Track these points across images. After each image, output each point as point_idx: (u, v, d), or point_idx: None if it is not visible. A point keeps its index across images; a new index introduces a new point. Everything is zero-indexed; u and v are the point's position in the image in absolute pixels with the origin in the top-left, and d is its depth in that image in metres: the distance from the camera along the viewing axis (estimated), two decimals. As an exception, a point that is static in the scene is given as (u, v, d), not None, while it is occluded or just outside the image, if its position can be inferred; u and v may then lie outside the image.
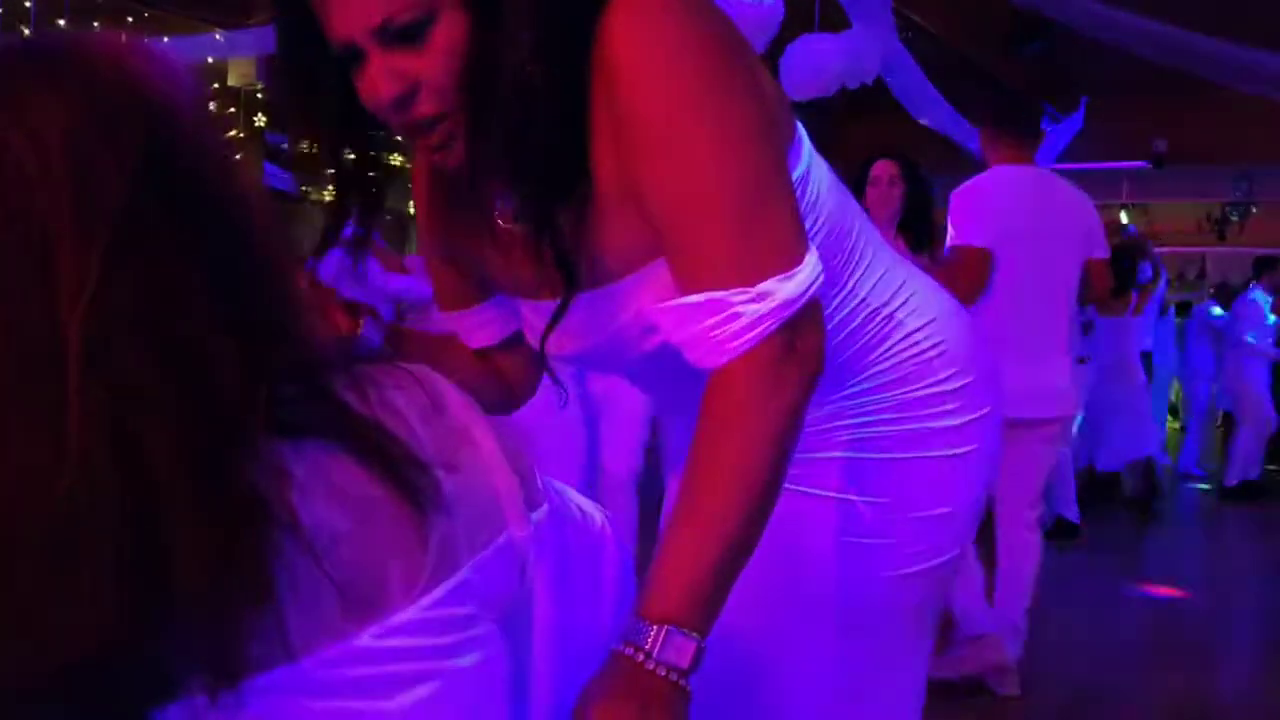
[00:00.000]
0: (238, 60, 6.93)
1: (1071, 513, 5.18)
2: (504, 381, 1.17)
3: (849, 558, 1.09)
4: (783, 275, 0.85)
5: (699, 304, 0.85)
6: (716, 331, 0.85)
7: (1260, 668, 3.56)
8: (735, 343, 0.85)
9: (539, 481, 0.73)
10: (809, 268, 0.87)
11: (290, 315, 0.60)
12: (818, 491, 1.11)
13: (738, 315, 0.84)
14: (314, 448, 0.57)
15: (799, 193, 0.96)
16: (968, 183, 2.95)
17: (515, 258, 0.97)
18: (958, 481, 1.11)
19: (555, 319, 0.95)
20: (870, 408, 1.09)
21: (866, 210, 3.08)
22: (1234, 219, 10.73)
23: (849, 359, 1.07)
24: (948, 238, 2.94)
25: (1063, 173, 10.14)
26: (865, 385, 1.09)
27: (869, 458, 1.09)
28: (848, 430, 1.10)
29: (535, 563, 0.68)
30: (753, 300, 0.84)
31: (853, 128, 9.69)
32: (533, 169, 0.89)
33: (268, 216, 0.61)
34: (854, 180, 3.28)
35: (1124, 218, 11.95)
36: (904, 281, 1.12)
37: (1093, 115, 8.78)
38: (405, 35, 0.84)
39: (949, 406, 1.10)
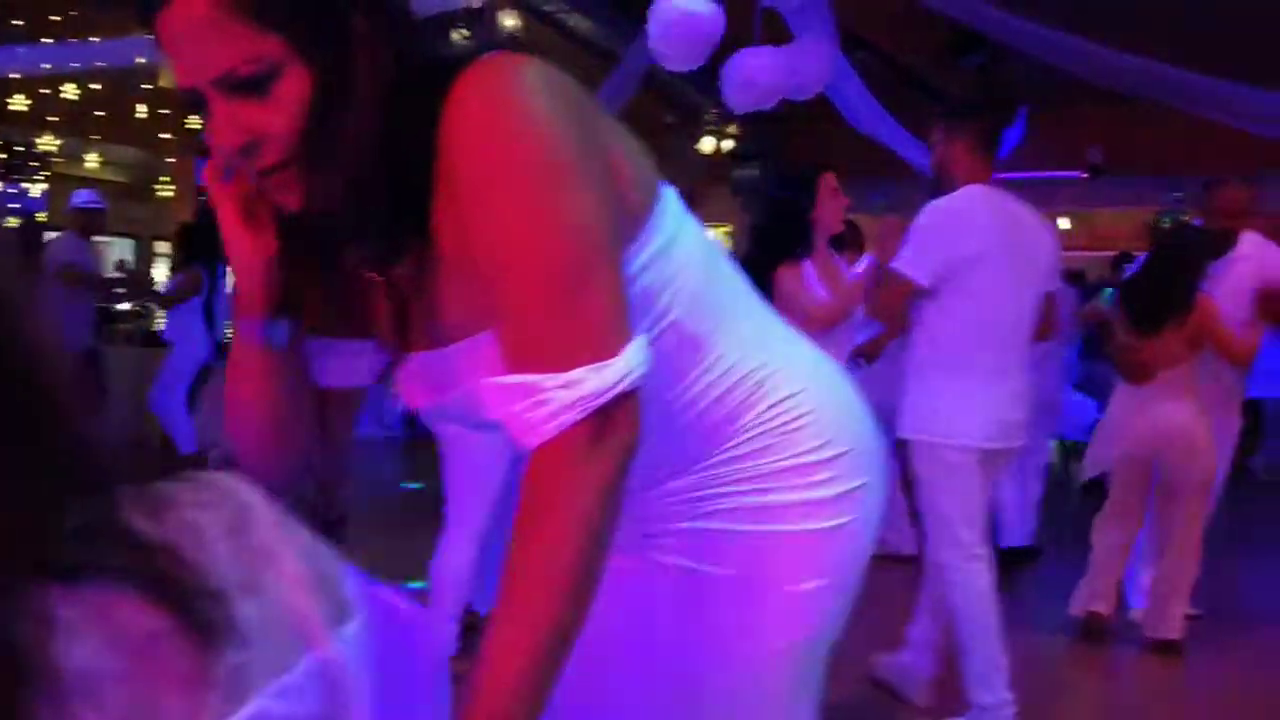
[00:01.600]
0: (173, 63, 6.78)
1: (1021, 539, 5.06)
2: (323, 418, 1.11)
3: (698, 634, 1.07)
4: (595, 365, 0.85)
5: (512, 386, 0.86)
6: (527, 415, 0.85)
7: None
8: (543, 427, 0.85)
9: (351, 592, 0.71)
10: (625, 359, 0.86)
11: (77, 447, 0.58)
12: (672, 561, 1.09)
13: (545, 401, 0.84)
14: (93, 585, 0.55)
15: (660, 261, 0.97)
16: (942, 204, 2.80)
17: (357, 307, 0.99)
18: (823, 556, 1.07)
19: (390, 367, 0.98)
20: (734, 477, 1.07)
21: (815, 223, 3.14)
22: (1166, 224, 11.01)
23: (713, 429, 1.06)
24: (900, 253, 2.79)
25: (1002, 182, 10.29)
26: (730, 454, 1.07)
27: (732, 529, 1.07)
28: (711, 501, 1.07)
29: (347, 680, 0.66)
30: (562, 387, 0.84)
31: (798, 138, 9.81)
32: (368, 226, 0.91)
33: (58, 360, 0.59)
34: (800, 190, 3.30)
35: (1065, 224, 12.27)
36: (777, 349, 1.11)
37: (1031, 126, 8.96)
38: (247, 87, 0.85)
39: (818, 477, 1.07)
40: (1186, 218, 10.51)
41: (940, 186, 2.89)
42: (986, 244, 2.71)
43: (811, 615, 1.07)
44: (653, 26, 4.63)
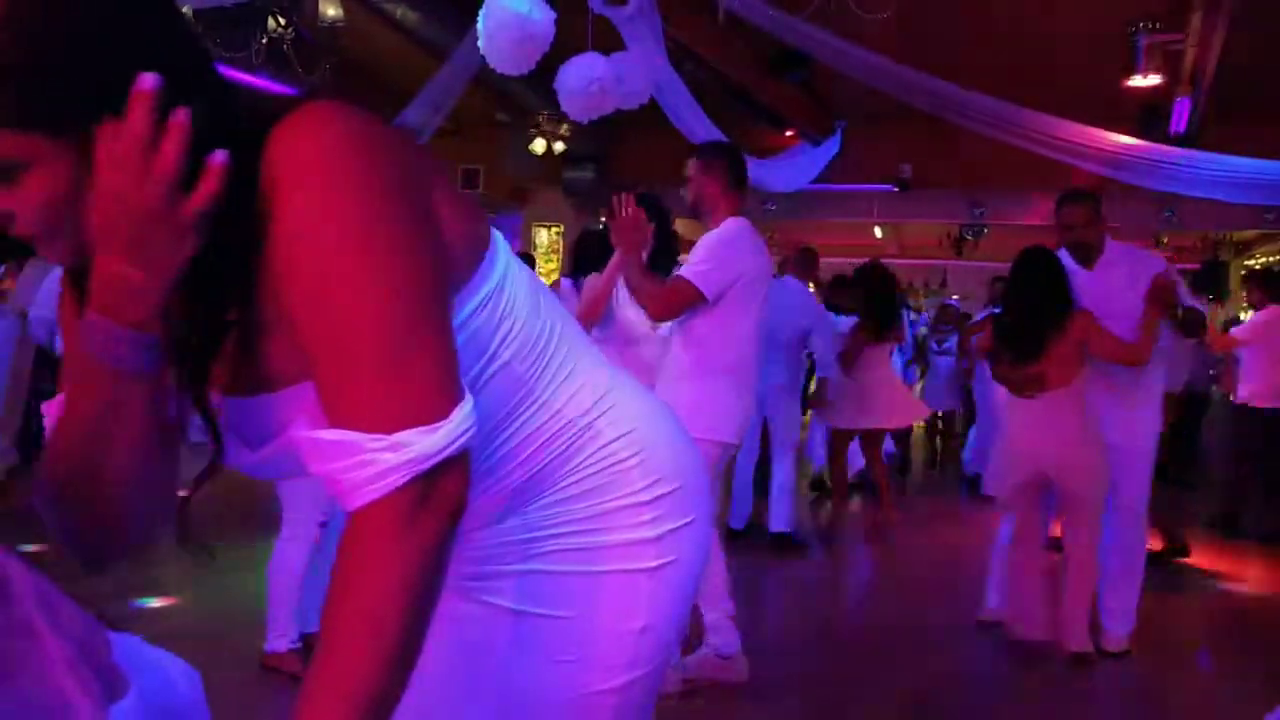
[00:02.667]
0: None
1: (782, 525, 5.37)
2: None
3: (533, 675, 1.07)
4: (424, 428, 0.81)
5: (333, 442, 0.82)
6: (349, 475, 0.81)
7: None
8: (364, 490, 0.81)
9: (123, 663, 0.68)
10: (455, 421, 0.83)
11: None
12: (504, 603, 1.09)
13: (369, 462, 0.80)
14: None
15: (490, 306, 0.97)
16: (721, 233, 3.19)
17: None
18: (652, 595, 1.08)
19: (203, 413, 0.91)
20: (564, 518, 1.07)
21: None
22: (969, 238, 11.78)
23: (543, 471, 1.05)
24: (692, 266, 3.13)
25: (820, 193, 10.67)
26: (559, 496, 1.07)
27: (559, 570, 1.07)
28: (541, 543, 1.08)
29: None
30: (388, 449, 0.80)
31: (629, 142, 9.94)
32: (193, 285, 0.87)
33: None
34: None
35: (878, 232, 12.93)
36: (606, 390, 1.10)
37: (847, 141, 9.41)
38: None
39: (644, 517, 1.08)
40: (987, 231, 11.30)
41: (698, 215, 3.33)
42: (752, 269, 3.16)
43: (642, 654, 1.08)
44: (484, 30, 4.60)
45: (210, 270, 0.86)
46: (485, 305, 0.97)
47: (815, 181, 9.22)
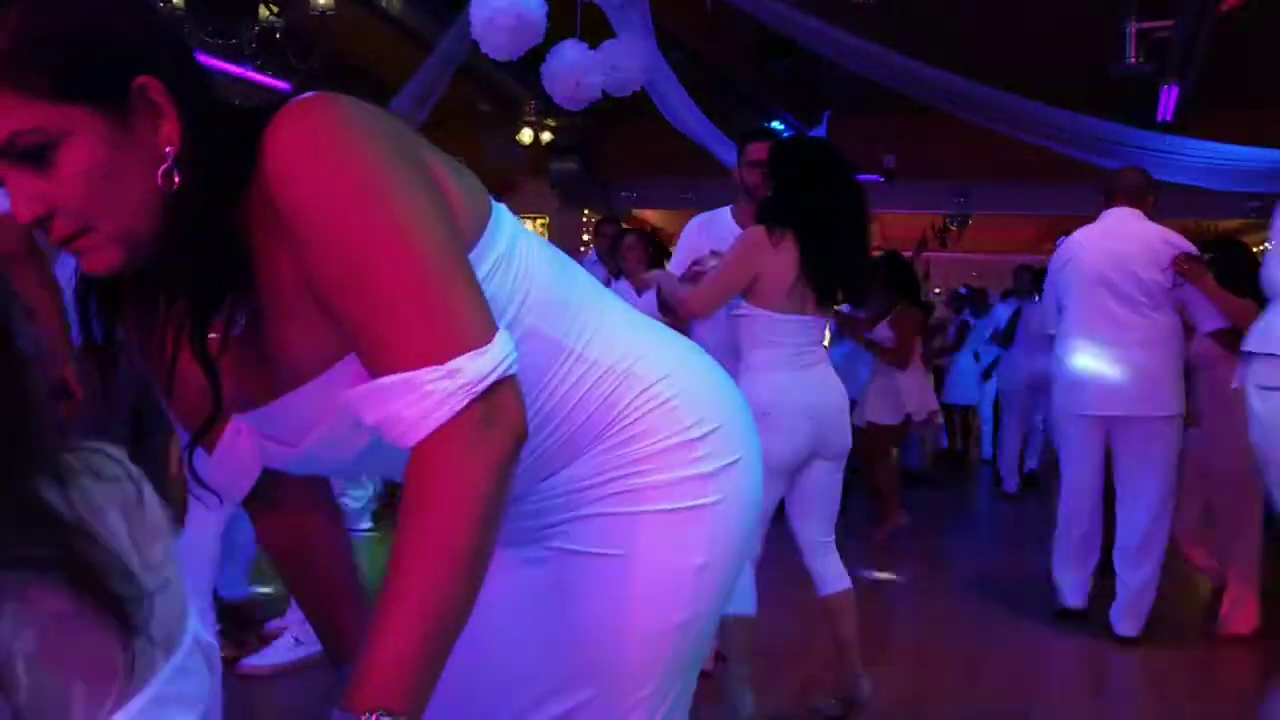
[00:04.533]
0: None
1: None
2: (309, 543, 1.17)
3: (599, 614, 1.10)
4: (473, 353, 0.87)
5: (390, 385, 0.86)
6: (410, 410, 0.86)
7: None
8: (429, 419, 0.86)
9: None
10: (499, 345, 0.89)
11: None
12: (567, 546, 1.13)
13: (430, 393, 0.85)
14: (9, 568, 0.55)
15: (501, 271, 1.00)
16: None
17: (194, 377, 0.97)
18: (713, 531, 1.12)
19: (204, 430, 0.98)
20: (618, 463, 1.10)
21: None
22: (953, 228, 11.84)
23: (590, 420, 1.09)
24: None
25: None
26: (612, 442, 1.10)
27: (619, 512, 1.10)
28: (598, 488, 1.11)
29: (214, 653, 0.68)
30: (444, 378, 0.85)
31: (616, 133, 9.92)
32: (185, 277, 0.91)
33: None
34: None
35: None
36: (635, 339, 1.14)
37: (833, 130, 9.42)
38: (28, 157, 0.83)
39: (697, 453, 1.11)
40: (970, 221, 11.36)
41: (750, 200, 3.24)
42: None
43: (698, 590, 1.11)
44: (475, 15, 4.59)
45: (207, 259, 0.90)
46: (498, 269, 1.00)
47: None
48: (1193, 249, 3.85)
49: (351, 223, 0.86)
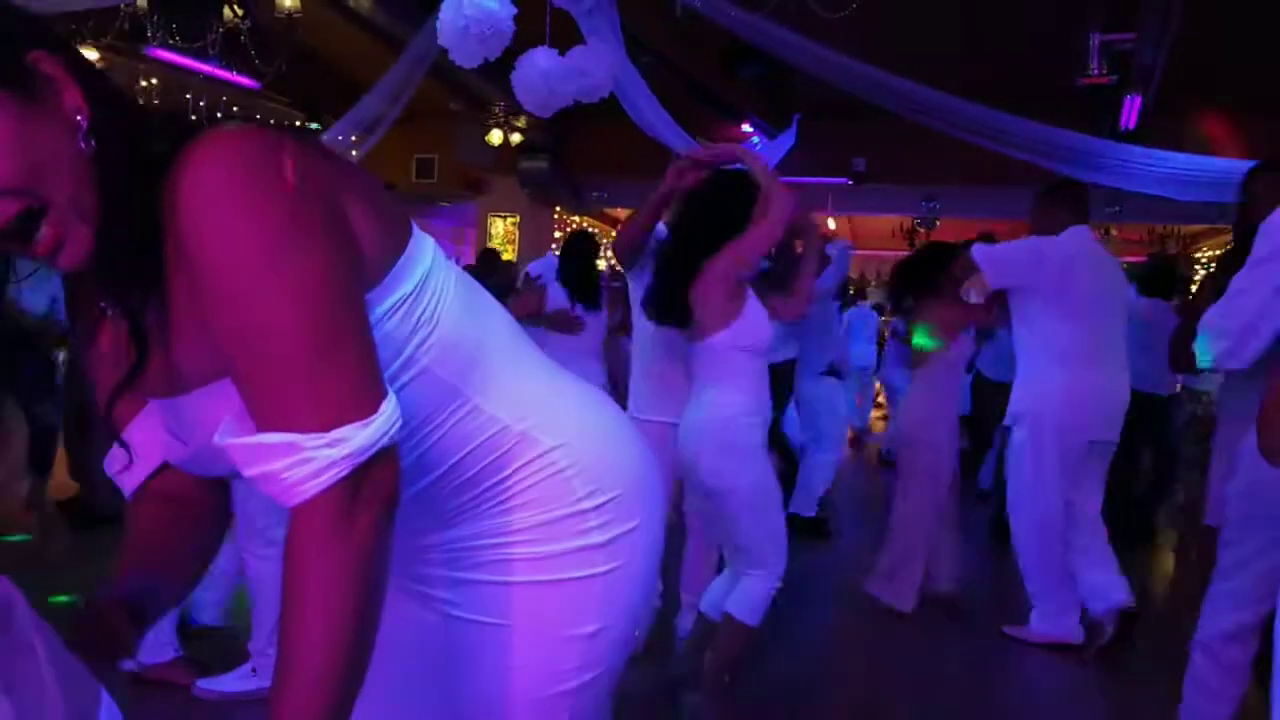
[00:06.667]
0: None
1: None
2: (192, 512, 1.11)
3: (489, 681, 1.09)
4: (358, 423, 0.86)
5: (271, 445, 0.86)
6: (288, 474, 0.85)
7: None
8: (306, 485, 0.85)
9: (101, 702, 0.72)
10: (385, 414, 0.88)
11: None
12: (458, 613, 1.12)
13: (309, 459, 0.85)
14: None
15: (404, 310, 0.98)
16: None
17: (113, 350, 0.98)
18: (605, 598, 1.10)
19: (117, 392, 0.97)
20: (510, 528, 1.08)
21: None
22: (921, 229, 11.95)
23: (479, 475, 1.07)
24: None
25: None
26: (503, 505, 1.08)
27: (510, 581, 1.09)
28: (488, 551, 1.10)
29: None
30: (327, 445, 0.85)
31: (586, 134, 9.92)
32: (109, 261, 0.91)
33: None
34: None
35: (831, 224, 13.06)
36: (538, 395, 1.11)
37: (803, 134, 9.48)
38: None
39: (591, 523, 1.09)
40: (939, 224, 11.46)
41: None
42: None
43: (590, 656, 1.10)
44: (444, 21, 4.57)
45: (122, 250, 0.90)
46: (399, 308, 0.98)
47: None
48: None
49: (248, 282, 0.85)
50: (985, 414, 6.14)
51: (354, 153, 8.05)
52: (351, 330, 0.89)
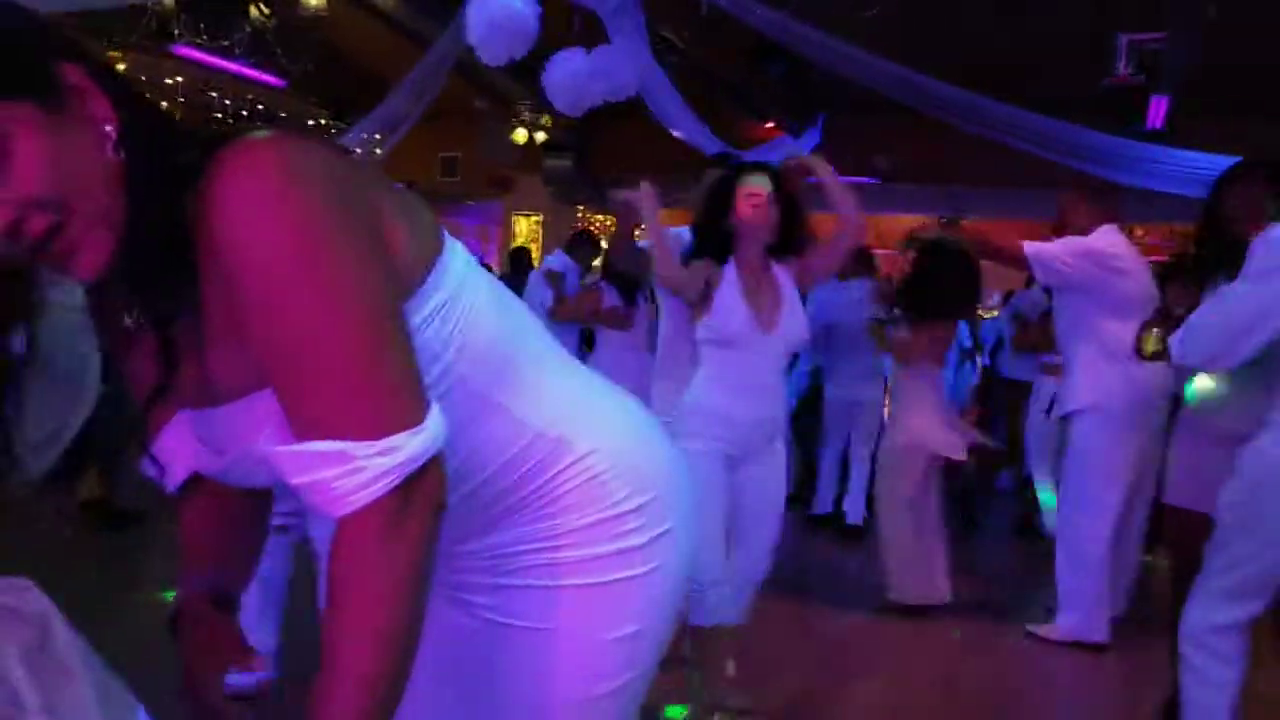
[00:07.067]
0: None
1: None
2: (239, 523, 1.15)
3: (535, 684, 1.10)
4: (410, 430, 0.86)
5: (323, 453, 0.85)
6: (339, 483, 0.85)
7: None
8: (358, 495, 0.85)
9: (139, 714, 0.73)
10: (434, 422, 0.88)
11: None
12: (501, 619, 1.12)
13: (362, 469, 0.84)
14: None
15: (440, 318, 0.98)
16: None
17: (144, 361, 0.98)
18: (644, 600, 1.11)
19: (146, 406, 0.98)
20: (552, 533, 1.09)
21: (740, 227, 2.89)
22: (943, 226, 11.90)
23: (518, 483, 1.07)
24: None
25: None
26: (544, 511, 1.09)
27: (554, 585, 1.09)
28: (521, 558, 1.10)
29: None
30: (379, 454, 0.85)
31: (611, 132, 9.93)
32: (139, 272, 0.91)
33: None
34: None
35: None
36: (571, 401, 1.12)
37: (828, 133, 9.45)
38: None
39: (630, 525, 1.10)
40: (963, 223, 11.40)
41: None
42: None
43: (629, 658, 1.11)
44: (472, 19, 4.61)
45: (155, 266, 0.91)
46: (435, 316, 0.98)
47: (796, 174, 9.26)
48: None
49: (288, 292, 0.85)
50: (1000, 412, 6.08)
51: (378, 151, 8.11)
52: (395, 338, 0.89)
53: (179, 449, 1.05)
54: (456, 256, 1.02)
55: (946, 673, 3.60)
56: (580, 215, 11.86)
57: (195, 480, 1.09)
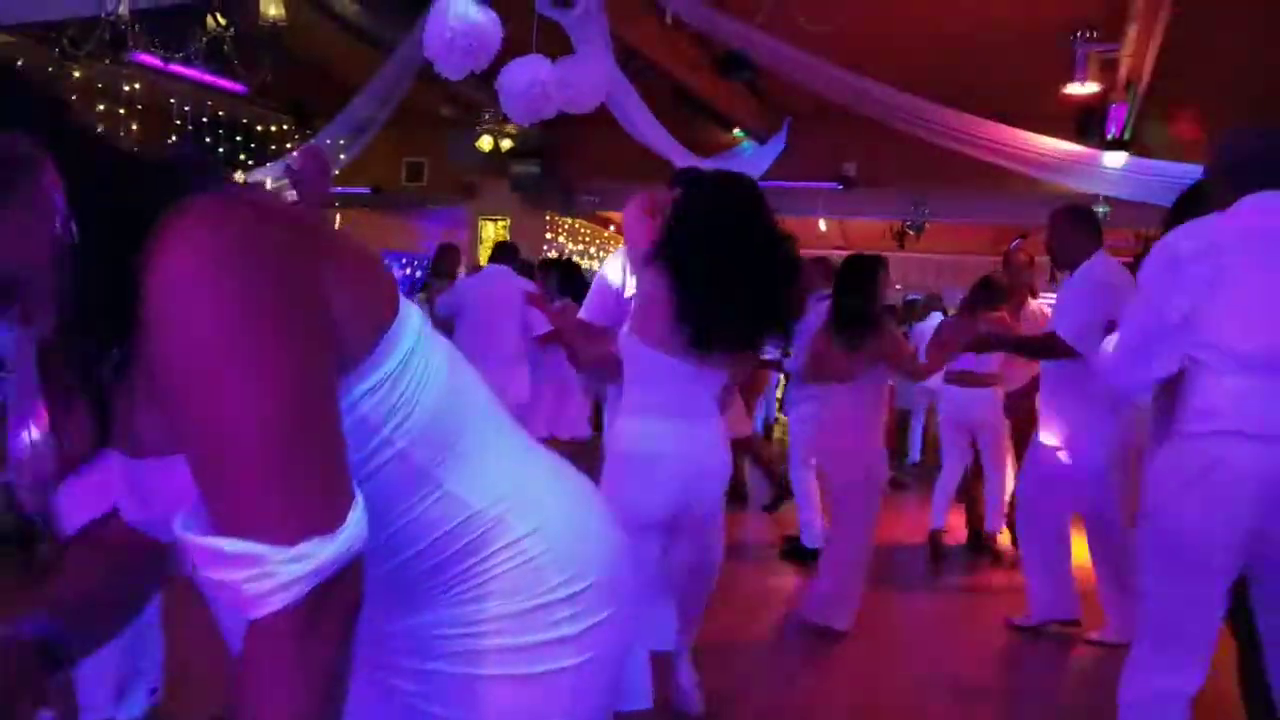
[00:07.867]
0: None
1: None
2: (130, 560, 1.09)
3: None
4: (324, 537, 0.82)
5: (233, 554, 0.82)
6: (250, 586, 0.82)
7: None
8: (269, 600, 0.82)
9: None
10: (352, 525, 0.85)
11: None
12: (427, 707, 1.07)
13: (273, 574, 0.81)
14: None
15: (384, 390, 0.94)
16: None
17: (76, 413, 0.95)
18: (574, 693, 1.07)
19: (68, 466, 0.96)
20: (481, 616, 1.04)
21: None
22: (911, 231, 11.97)
23: (449, 561, 1.03)
24: None
25: (766, 190, 10.85)
26: (474, 593, 1.04)
27: (483, 673, 1.05)
28: (459, 641, 1.05)
29: None
30: (291, 561, 0.81)
31: (576, 139, 9.91)
32: (77, 334, 0.89)
33: None
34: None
35: (822, 226, 13.07)
36: (514, 477, 1.08)
37: (793, 138, 9.49)
38: None
39: (563, 614, 1.06)
40: (926, 226, 11.47)
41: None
42: None
43: None
44: (429, 34, 4.55)
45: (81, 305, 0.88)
46: (382, 386, 0.94)
47: (762, 179, 9.30)
48: None
49: (205, 383, 0.81)
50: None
51: (342, 156, 8.03)
52: (321, 432, 0.85)
53: (92, 493, 1.02)
54: (410, 325, 0.98)
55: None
56: (547, 220, 11.83)
57: (94, 528, 1.06)
